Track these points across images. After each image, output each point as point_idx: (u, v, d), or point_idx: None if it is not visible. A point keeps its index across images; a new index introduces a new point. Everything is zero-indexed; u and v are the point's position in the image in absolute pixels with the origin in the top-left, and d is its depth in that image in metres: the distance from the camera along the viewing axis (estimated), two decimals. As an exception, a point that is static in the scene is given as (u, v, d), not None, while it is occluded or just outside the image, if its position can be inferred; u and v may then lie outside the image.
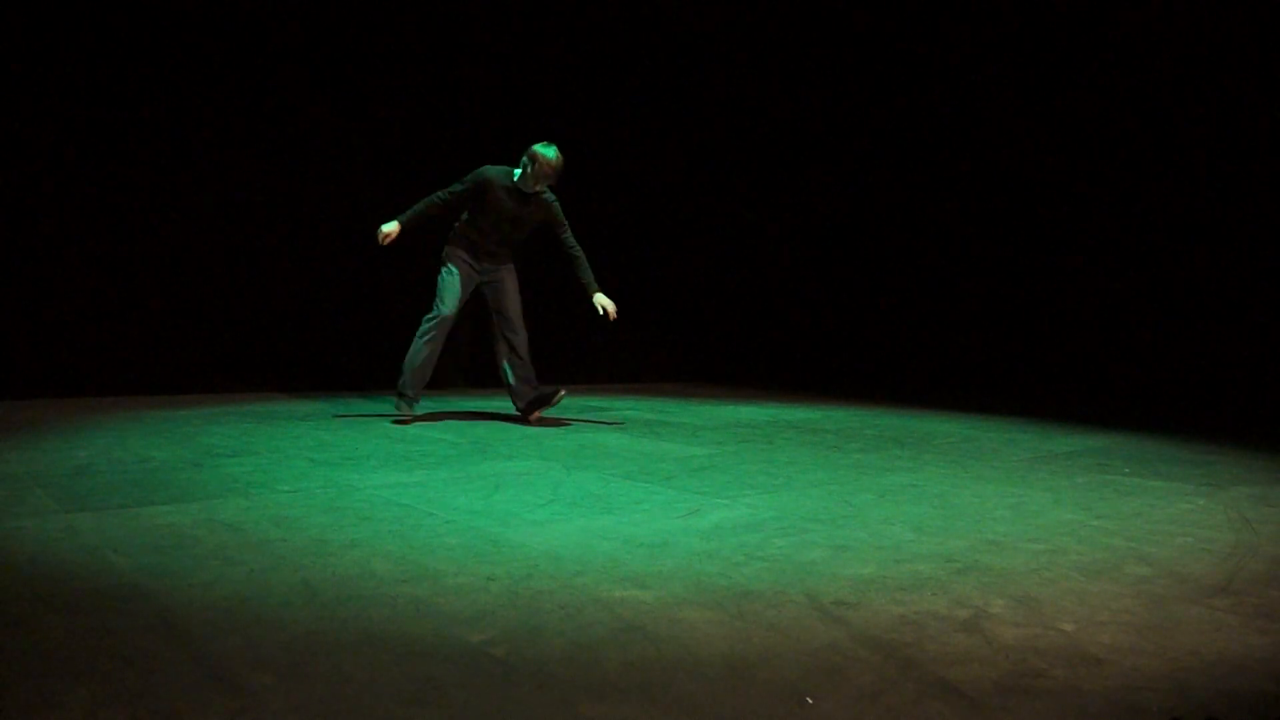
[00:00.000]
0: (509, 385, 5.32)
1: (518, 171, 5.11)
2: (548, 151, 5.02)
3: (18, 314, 5.84)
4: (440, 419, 5.47)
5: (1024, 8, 8.29)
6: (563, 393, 5.34)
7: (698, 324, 9.22)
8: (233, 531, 2.67)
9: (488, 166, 5.17)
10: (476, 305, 5.43)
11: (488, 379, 7.00)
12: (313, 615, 1.99)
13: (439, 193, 5.16)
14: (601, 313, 5.30)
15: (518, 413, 5.37)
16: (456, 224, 5.29)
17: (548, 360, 5.96)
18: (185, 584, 2.18)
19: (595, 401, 6.72)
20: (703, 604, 2.13)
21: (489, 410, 5.91)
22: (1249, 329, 7.25)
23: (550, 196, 5.24)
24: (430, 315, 5.17)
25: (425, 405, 6.13)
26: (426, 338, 5.13)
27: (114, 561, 2.35)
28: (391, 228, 5.09)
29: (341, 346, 7.06)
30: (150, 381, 6.24)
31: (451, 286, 5.17)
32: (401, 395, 5.19)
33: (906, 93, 9.09)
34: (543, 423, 5.31)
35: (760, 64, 9.38)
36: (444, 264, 5.23)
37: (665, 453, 4.39)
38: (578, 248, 5.30)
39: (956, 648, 1.89)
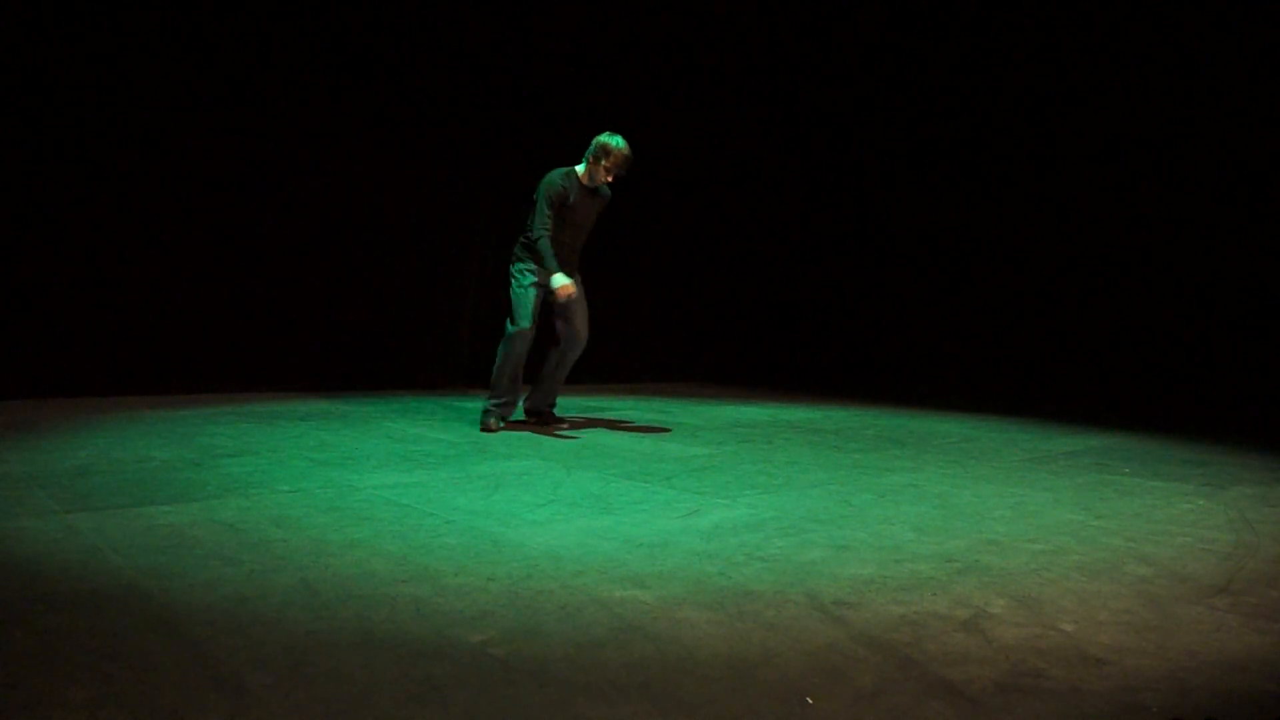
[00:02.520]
0: (538, 378, 5.26)
1: (580, 167, 5.00)
2: (618, 141, 4.90)
3: (18, 314, 5.84)
4: (440, 419, 5.47)
5: (1032, 10, 8.29)
6: (566, 425, 5.31)
7: (698, 324, 9.22)
8: (233, 531, 2.67)
9: (550, 174, 4.98)
10: (478, 305, 5.41)
11: (487, 379, 7.01)
12: (313, 615, 1.99)
13: (537, 225, 4.90)
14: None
15: (526, 408, 5.35)
16: (523, 238, 5.04)
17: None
18: (185, 584, 2.18)
19: (595, 401, 6.71)
20: (703, 604, 2.12)
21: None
22: (1248, 329, 7.25)
23: (608, 189, 5.14)
24: (509, 332, 4.99)
25: (427, 406, 6.13)
26: (507, 351, 5.01)
27: (114, 561, 2.35)
28: (564, 280, 4.85)
29: (341, 346, 7.06)
30: (150, 381, 6.23)
31: (525, 301, 4.96)
32: (489, 408, 5.15)
33: (906, 93, 9.09)
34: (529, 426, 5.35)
35: (757, 64, 9.38)
36: (517, 276, 5.00)
37: (665, 453, 4.39)
38: None
39: (956, 648, 1.89)
